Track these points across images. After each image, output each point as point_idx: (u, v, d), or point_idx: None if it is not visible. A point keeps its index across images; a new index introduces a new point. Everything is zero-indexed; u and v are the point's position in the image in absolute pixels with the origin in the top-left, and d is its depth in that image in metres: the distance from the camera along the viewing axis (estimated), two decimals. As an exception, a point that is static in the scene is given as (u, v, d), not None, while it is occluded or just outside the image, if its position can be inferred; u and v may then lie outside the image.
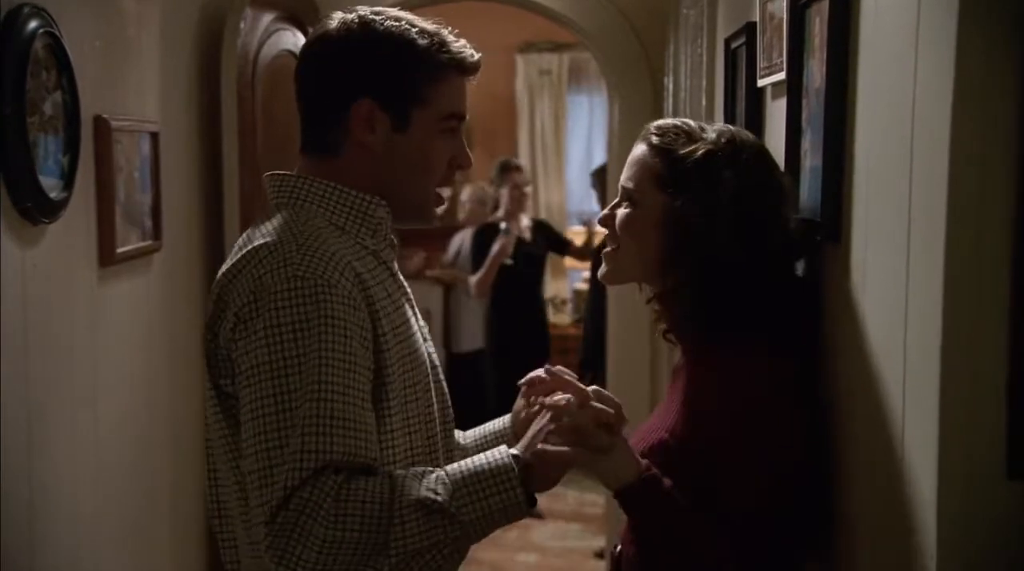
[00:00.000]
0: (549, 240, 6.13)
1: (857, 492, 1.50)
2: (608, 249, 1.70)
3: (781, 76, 1.93)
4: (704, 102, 3.03)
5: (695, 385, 1.60)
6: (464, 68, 1.58)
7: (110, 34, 2.42)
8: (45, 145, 2.01)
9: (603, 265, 1.71)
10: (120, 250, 2.40)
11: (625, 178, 1.66)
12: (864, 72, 1.50)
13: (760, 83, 2.15)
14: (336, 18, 1.56)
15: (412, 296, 1.65)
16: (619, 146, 4.52)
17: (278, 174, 1.60)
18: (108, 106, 2.37)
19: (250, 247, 1.48)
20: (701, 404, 1.56)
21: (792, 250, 1.67)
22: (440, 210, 1.64)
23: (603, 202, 5.45)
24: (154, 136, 2.65)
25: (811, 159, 1.72)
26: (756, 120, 2.25)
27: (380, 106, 1.53)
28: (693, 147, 1.60)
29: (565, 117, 7.80)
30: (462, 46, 1.57)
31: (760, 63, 2.14)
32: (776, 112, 2.05)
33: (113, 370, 2.43)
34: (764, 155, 1.66)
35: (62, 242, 2.12)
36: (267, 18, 3.33)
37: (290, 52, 3.50)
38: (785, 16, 1.90)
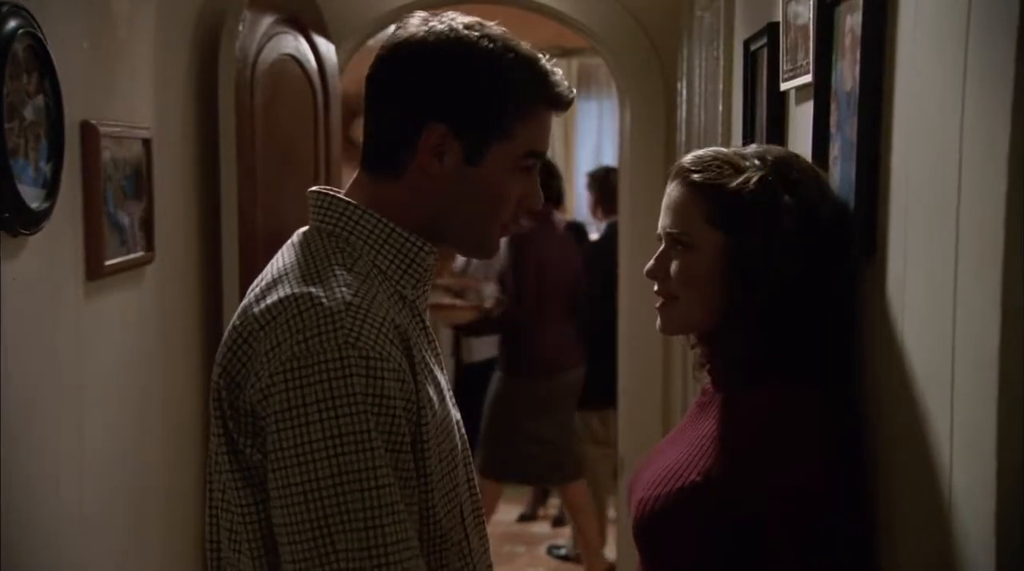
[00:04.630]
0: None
1: (902, 547, 1.38)
2: (661, 301, 1.58)
3: (807, 79, 1.84)
4: (721, 107, 2.93)
5: (734, 423, 1.49)
6: (558, 104, 1.42)
7: (99, 35, 2.32)
8: (25, 152, 1.91)
9: (659, 318, 1.59)
10: (109, 262, 2.30)
11: (669, 224, 1.54)
12: (902, 73, 1.39)
13: (783, 87, 2.05)
14: (422, 22, 1.39)
15: (440, 351, 1.51)
16: (630, 152, 4.42)
17: (327, 194, 1.42)
18: (96, 111, 2.27)
19: (289, 293, 1.31)
20: (742, 443, 1.46)
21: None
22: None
23: (598, 207, 5.33)
24: (146, 142, 2.56)
25: (841, 167, 1.63)
26: (779, 126, 2.15)
27: (454, 134, 1.37)
28: (744, 177, 1.48)
29: (574, 123, 7.72)
30: (559, 80, 1.41)
31: (783, 65, 2.05)
32: (801, 117, 1.95)
33: (101, 390, 2.32)
34: (812, 170, 1.55)
35: (45, 254, 2.02)
36: (267, 20, 3.23)
37: (291, 56, 3.41)
38: (811, 15, 1.81)
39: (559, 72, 1.42)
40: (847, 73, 1.60)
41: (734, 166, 1.50)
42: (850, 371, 1.56)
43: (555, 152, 7.59)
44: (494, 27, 1.41)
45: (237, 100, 3.05)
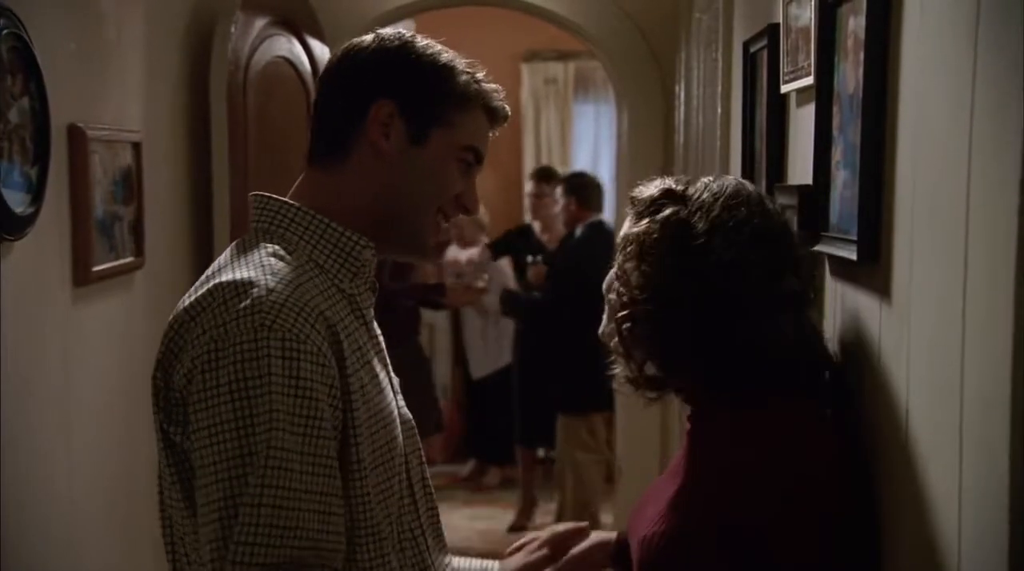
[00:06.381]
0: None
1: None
2: None
3: (808, 81, 1.81)
4: (719, 110, 2.89)
5: (721, 447, 1.47)
6: (492, 111, 1.51)
7: (87, 37, 2.29)
8: (10, 155, 1.87)
9: None
10: (97, 268, 2.27)
11: None
12: (907, 74, 1.36)
13: (784, 89, 2.02)
14: (373, 32, 1.52)
15: (384, 347, 1.54)
16: (628, 156, 4.39)
17: (263, 195, 1.48)
18: (84, 114, 2.23)
19: (218, 282, 1.35)
20: (735, 467, 1.43)
21: (724, 292, 1.47)
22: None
23: (567, 213, 5.30)
24: (136, 146, 2.52)
25: (844, 170, 1.59)
26: (779, 129, 2.12)
27: (400, 113, 1.46)
28: (647, 195, 1.53)
29: (571, 127, 7.69)
30: (497, 90, 1.52)
31: (784, 67, 2.01)
32: (802, 120, 1.92)
33: (89, 399, 2.28)
34: (716, 195, 1.49)
35: (31, 260, 1.99)
36: (260, 23, 3.20)
37: (284, 58, 3.37)
38: (813, 16, 1.77)
39: (498, 86, 1.52)
40: (850, 75, 1.56)
41: (645, 188, 1.54)
42: (824, 385, 1.54)
43: (552, 155, 7.56)
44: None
45: (229, 103, 3.01)
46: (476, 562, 1.75)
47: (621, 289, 1.50)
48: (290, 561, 1.26)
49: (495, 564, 1.75)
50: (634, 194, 1.55)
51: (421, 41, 1.49)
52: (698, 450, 1.51)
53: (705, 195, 1.48)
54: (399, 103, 1.45)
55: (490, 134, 1.53)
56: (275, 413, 1.26)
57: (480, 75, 1.50)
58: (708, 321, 1.44)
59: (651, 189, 1.53)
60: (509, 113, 1.54)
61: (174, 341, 1.35)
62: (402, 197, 1.47)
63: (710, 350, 1.45)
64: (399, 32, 1.50)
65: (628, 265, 1.49)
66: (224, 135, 3.01)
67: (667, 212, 1.47)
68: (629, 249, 1.49)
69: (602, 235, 4.92)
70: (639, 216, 1.51)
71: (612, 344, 1.54)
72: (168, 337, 1.36)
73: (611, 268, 1.59)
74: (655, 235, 1.46)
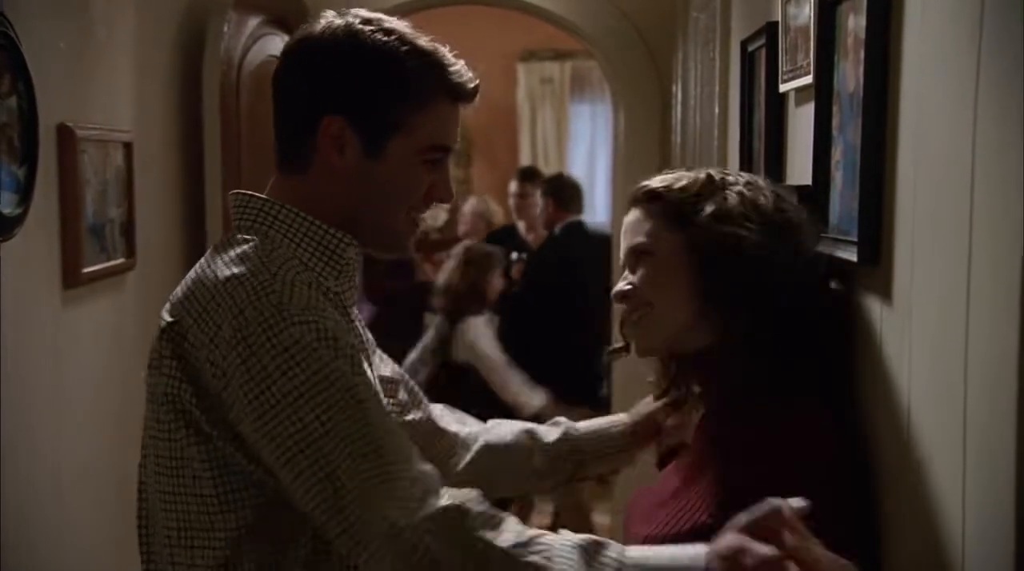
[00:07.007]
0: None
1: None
2: (635, 317, 1.57)
3: (808, 80, 1.79)
4: (717, 110, 2.87)
5: (738, 452, 1.44)
6: (458, 95, 1.43)
7: (76, 36, 2.27)
8: (-3, 155, 1.84)
9: (636, 338, 1.60)
10: (87, 270, 2.24)
11: (630, 241, 1.56)
12: (909, 73, 1.34)
13: (783, 88, 2.00)
14: (324, 20, 1.42)
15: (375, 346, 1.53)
16: (624, 156, 4.36)
17: (243, 193, 1.46)
18: (73, 113, 2.21)
19: (214, 279, 1.33)
20: (751, 469, 1.40)
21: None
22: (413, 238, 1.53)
23: (545, 215, 5.30)
24: (127, 146, 2.50)
25: (843, 170, 1.57)
26: (778, 128, 2.10)
27: (352, 127, 1.39)
28: (691, 179, 1.52)
29: (567, 127, 7.68)
30: (459, 70, 1.42)
31: (783, 66, 1.99)
32: (801, 119, 1.90)
33: (80, 401, 2.26)
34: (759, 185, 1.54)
35: (19, 261, 1.96)
36: (253, 22, 3.18)
37: (278, 58, 3.34)
38: (812, 14, 1.75)
39: (460, 63, 1.43)
40: (850, 73, 1.55)
41: (676, 178, 1.54)
42: (844, 379, 1.53)
43: (548, 156, 7.55)
44: (397, 22, 1.42)
45: (222, 102, 3.00)
46: (604, 420, 1.80)
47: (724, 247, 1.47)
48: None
49: None
50: (669, 185, 1.52)
51: (370, 31, 1.39)
52: (711, 448, 1.49)
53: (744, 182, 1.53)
54: (349, 117, 1.38)
55: (461, 110, 1.45)
56: (328, 366, 1.26)
57: (439, 56, 1.41)
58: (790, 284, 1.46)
59: (689, 180, 1.52)
60: (477, 87, 1.45)
61: (181, 347, 1.32)
62: (365, 206, 1.43)
63: (778, 314, 1.46)
64: (348, 23, 1.40)
65: (728, 229, 1.46)
66: (216, 135, 2.99)
67: (736, 186, 1.49)
68: (737, 212, 1.47)
69: (579, 235, 5.02)
70: (711, 192, 1.49)
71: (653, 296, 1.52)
72: (174, 343, 1.33)
73: (633, 241, 1.55)
74: (750, 196, 1.48)
